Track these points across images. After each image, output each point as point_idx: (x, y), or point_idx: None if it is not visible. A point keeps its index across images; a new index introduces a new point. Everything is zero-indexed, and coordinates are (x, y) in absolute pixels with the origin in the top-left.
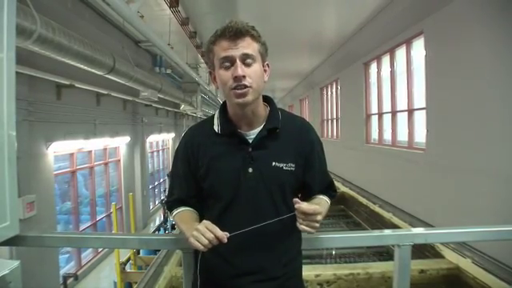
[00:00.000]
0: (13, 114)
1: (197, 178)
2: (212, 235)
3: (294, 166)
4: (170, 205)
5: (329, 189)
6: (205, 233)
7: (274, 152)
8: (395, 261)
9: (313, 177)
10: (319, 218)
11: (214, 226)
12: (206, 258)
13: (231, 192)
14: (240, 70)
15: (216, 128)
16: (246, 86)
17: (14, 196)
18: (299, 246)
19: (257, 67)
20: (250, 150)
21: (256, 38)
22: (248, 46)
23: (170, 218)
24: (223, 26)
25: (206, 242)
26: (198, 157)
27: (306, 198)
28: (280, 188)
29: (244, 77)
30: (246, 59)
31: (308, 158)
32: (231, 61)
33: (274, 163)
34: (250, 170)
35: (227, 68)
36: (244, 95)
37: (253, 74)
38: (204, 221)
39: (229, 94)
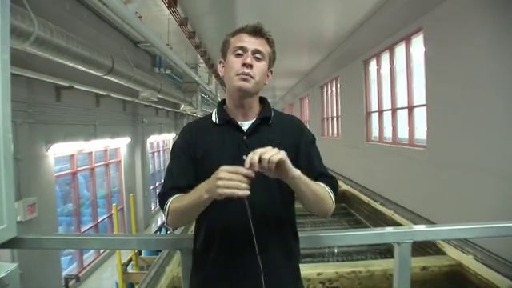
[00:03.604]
0: (8, 116)
1: (194, 166)
2: (239, 176)
3: (285, 154)
4: (166, 191)
5: (328, 179)
6: (229, 177)
7: (267, 140)
8: (395, 258)
9: (304, 162)
10: (267, 155)
11: (231, 166)
12: (200, 258)
13: None
14: (250, 59)
15: (214, 119)
16: (250, 76)
17: (10, 198)
18: (297, 245)
19: (263, 65)
20: (245, 138)
21: (270, 43)
22: (262, 45)
23: (166, 207)
24: (246, 24)
25: (236, 182)
26: (195, 146)
27: None
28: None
29: (251, 66)
30: (256, 54)
31: (298, 146)
32: (244, 50)
33: None
34: (244, 157)
35: (239, 56)
36: (246, 80)
37: (259, 68)
38: (218, 170)
39: (232, 78)
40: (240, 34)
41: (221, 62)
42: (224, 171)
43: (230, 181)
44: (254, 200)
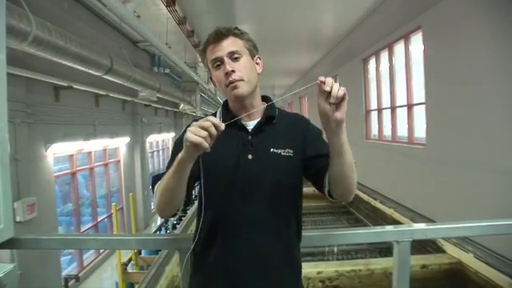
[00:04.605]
0: (5, 116)
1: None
2: (208, 122)
3: (291, 151)
4: (160, 175)
5: None
6: (200, 125)
7: (271, 139)
8: (394, 257)
9: (317, 146)
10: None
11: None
12: (200, 258)
13: (231, 178)
14: (228, 66)
15: (218, 118)
16: (238, 80)
17: (7, 198)
18: (299, 244)
19: (245, 60)
20: (250, 137)
21: (239, 35)
22: (232, 44)
23: (155, 189)
24: (208, 35)
25: (205, 132)
26: None
27: (320, 174)
28: (279, 173)
29: (233, 71)
30: (232, 56)
31: (305, 138)
32: (220, 60)
33: (272, 149)
34: (250, 156)
35: (219, 68)
36: (237, 87)
37: (242, 67)
38: None
39: (225, 89)
40: (208, 47)
41: (210, 77)
42: (197, 122)
43: (201, 130)
44: (261, 197)
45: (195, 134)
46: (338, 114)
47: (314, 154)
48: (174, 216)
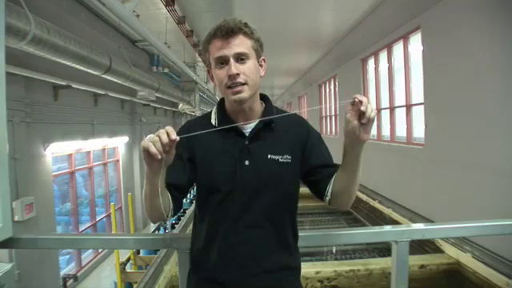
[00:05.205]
0: (4, 116)
1: (187, 167)
2: (162, 129)
3: (290, 157)
4: None
5: None
6: (157, 134)
7: (269, 145)
8: (393, 257)
9: (320, 155)
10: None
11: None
12: (199, 258)
13: (227, 185)
14: (234, 68)
15: (213, 122)
16: (241, 84)
17: (6, 198)
18: (296, 244)
19: (251, 64)
20: (247, 143)
21: (249, 34)
22: (241, 44)
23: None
24: (216, 26)
25: (156, 138)
26: (193, 148)
27: (323, 183)
28: (276, 180)
29: (238, 74)
30: (239, 57)
31: (305, 145)
32: (225, 60)
33: (269, 156)
34: (247, 162)
35: (222, 67)
36: (239, 92)
37: (247, 70)
38: None
39: (225, 91)
40: (214, 40)
41: (208, 71)
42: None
43: (154, 136)
44: (258, 202)
45: (149, 140)
46: (366, 135)
47: (320, 164)
48: (164, 221)
